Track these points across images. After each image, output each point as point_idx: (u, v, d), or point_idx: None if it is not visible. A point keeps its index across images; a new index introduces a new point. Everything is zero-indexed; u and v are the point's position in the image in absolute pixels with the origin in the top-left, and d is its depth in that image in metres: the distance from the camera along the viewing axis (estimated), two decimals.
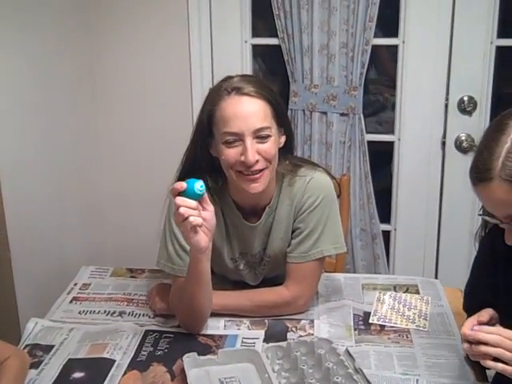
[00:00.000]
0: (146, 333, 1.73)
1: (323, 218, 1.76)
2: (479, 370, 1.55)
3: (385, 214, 2.73)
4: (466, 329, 1.38)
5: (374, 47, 2.55)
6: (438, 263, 2.72)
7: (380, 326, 1.76)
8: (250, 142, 1.62)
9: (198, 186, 1.51)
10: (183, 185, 1.50)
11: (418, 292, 1.93)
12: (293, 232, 1.80)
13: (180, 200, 1.49)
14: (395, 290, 1.94)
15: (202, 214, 1.52)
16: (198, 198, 1.52)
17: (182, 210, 1.48)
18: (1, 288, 2.05)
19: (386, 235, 2.75)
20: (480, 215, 1.44)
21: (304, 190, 1.77)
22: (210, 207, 1.56)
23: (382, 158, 2.77)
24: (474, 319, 1.42)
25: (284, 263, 1.80)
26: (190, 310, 1.68)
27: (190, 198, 1.50)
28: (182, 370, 1.54)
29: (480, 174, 1.29)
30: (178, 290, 1.71)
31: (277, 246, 1.81)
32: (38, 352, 1.64)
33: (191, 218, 1.49)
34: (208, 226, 1.55)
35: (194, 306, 1.67)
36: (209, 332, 1.73)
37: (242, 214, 1.79)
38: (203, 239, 1.54)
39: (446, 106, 2.58)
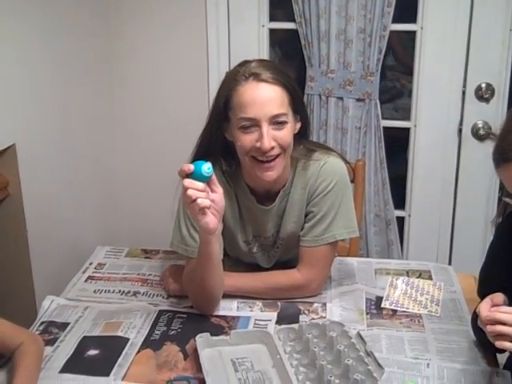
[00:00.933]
0: (160, 313, 1.75)
1: (336, 203, 1.77)
2: (490, 355, 1.56)
3: (399, 200, 2.73)
4: (484, 311, 1.39)
5: (392, 33, 2.54)
6: (451, 250, 2.72)
7: (392, 310, 1.77)
8: (266, 128, 1.62)
9: (206, 167, 1.51)
10: (190, 167, 1.50)
11: (430, 278, 1.93)
12: (306, 216, 1.80)
13: (187, 182, 1.50)
14: (408, 275, 1.94)
15: (210, 196, 1.53)
16: (205, 179, 1.52)
17: (189, 192, 1.49)
18: (17, 266, 2.08)
19: (401, 221, 2.75)
20: (500, 197, 1.44)
21: (318, 174, 1.77)
22: (219, 189, 1.56)
23: (397, 145, 2.76)
24: (488, 302, 1.42)
25: (297, 247, 1.82)
26: (202, 291, 1.70)
27: (197, 180, 1.50)
28: (195, 350, 1.56)
29: (504, 155, 1.30)
30: (190, 271, 1.73)
31: (290, 229, 1.82)
32: (54, 329, 1.67)
33: (199, 200, 1.49)
34: (217, 208, 1.55)
35: (205, 287, 1.69)
36: (221, 313, 1.75)
37: (256, 197, 1.80)
38: (212, 221, 1.55)
39: (464, 92, 2.56)
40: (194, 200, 1.50)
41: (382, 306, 1.79)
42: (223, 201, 1.59)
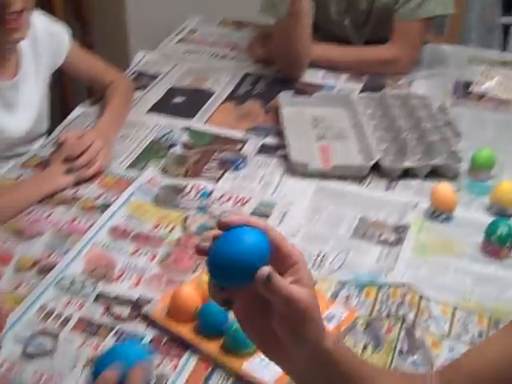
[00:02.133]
0: (246, 74, 1.78)
1: None
2: None
3: (508, 6, 2.58)
4: None
5: None
6: None
7: (480, 96, 1.72)
8: None
9: None
10: None
11: None
12: None
13: None
14: (504, 66, 1.86)
15: None
16: None
17: None
18: (113, 26, 2.14)
19: (505, 29, 2.61)
20: None
21: None
22: None
23: None
24: None
25: (389, 24, 1.76)
26: (289, 53, 1.71)
27: None
28: (277, 108, 1.59)
29: None
30: (278, 33, 1.73)
31: (385, 0, 1.76)
32: (144, 79, 1.75)
33: None
34: None
35: (292, 50, 1.69)
36: (307, 79, 1.76)
37: None
38: None
39: None
40: None
41: (470, 89, 1.74)
42: None
